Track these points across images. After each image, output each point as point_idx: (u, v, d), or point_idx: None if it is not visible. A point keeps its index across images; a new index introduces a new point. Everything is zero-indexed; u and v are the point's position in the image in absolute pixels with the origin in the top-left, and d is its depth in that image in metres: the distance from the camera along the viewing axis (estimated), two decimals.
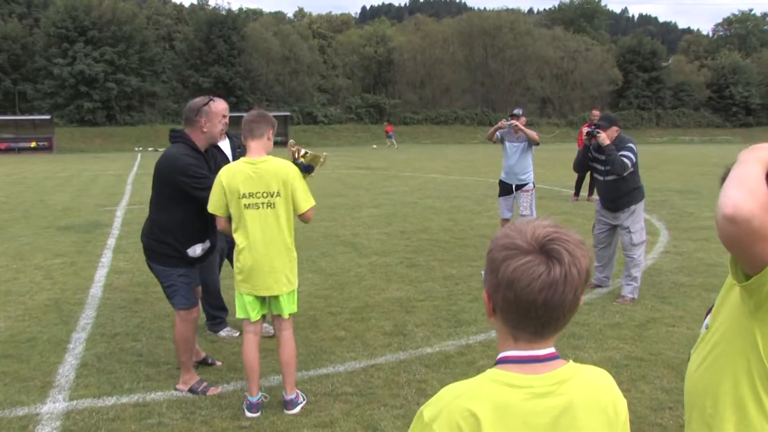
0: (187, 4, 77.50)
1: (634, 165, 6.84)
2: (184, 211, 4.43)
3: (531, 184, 9.42)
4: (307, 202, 4.19)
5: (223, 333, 5.78)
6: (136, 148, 46.11)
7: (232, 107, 55.15)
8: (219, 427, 4.02)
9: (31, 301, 6.88)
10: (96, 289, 7.23)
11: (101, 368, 4.98)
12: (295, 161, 4.26)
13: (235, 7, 72.79)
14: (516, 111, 9.49)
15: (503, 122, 9.39)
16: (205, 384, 4.58)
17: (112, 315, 6.36)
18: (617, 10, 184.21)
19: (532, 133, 9.18)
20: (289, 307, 4.30)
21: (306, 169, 4.29)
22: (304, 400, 4.36)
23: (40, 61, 52.75)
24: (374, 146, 51.26)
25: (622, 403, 1.42)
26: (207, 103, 4.51)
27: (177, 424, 4.06)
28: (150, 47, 57.36)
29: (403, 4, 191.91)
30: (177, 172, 4.35)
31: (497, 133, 9.55)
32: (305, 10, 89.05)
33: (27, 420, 4.15)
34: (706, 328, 1.83)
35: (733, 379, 1.65)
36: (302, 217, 4.23)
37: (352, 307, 6.59)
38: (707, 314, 1.87)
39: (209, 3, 69.44)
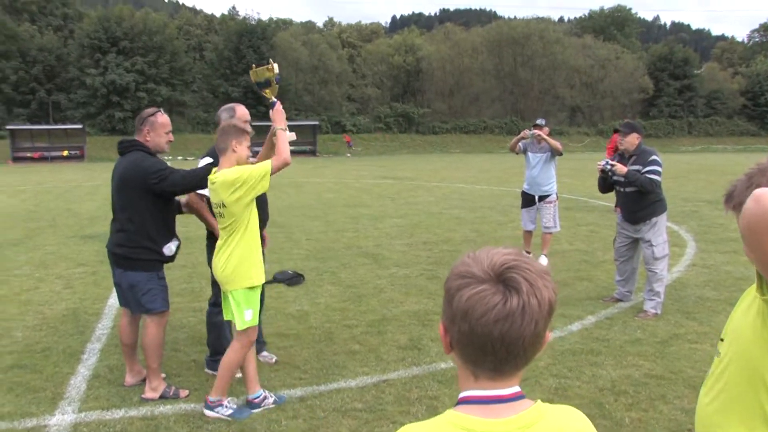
0: (218, 15, 78.45)
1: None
2: (152, 212, 4.58)
3: (554, 195, 9.31)
4: (263, 181, 4.11)
5: (260, 357, 5.57)
6: (166, 157, 46.59)
7: (262, 117, 55.72)
8: None
9: (50, 310, 6.92)
10: (114, 300, 7.22)
11: (112, 380, 4.96)
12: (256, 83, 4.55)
13: (264, 17, 72.99)
14: (539, 121, 9.43)
15: (526, 132, 9.34)
16: (174, 388, 4.71)
17: (119, 329, 6.35)
18: (649, 17, 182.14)
19: (555, 143, 9.10)
20: (228, 311, 4.34)
21: (264, 85, 4.53)
22: (228, 410, 4.32)
23: (74, 71, 53.72)
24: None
25: None
26: (153, 114, 4.71)
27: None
28: (180, 57, 58.11)
29: (433, 14, 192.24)
30: (144, 173, 4.47)
31: (520, 144, 9.50)
32: (335, 19, 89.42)
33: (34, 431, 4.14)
34: (718, 356, 1.73)
35: (745, 421, 1.56)
36: (280, 168, 4.22)
37: (369, 320, 6.51)
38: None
39: (239, 13, 70.17)
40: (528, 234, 9.52)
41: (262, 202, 4.99)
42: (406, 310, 6.87)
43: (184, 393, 4.70)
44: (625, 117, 64.75)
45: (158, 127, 4.68)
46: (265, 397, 4.48)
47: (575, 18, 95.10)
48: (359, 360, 5.38)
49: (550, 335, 1.25)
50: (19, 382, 4.95)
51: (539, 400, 1.25)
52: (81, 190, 21.93)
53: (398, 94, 68.03)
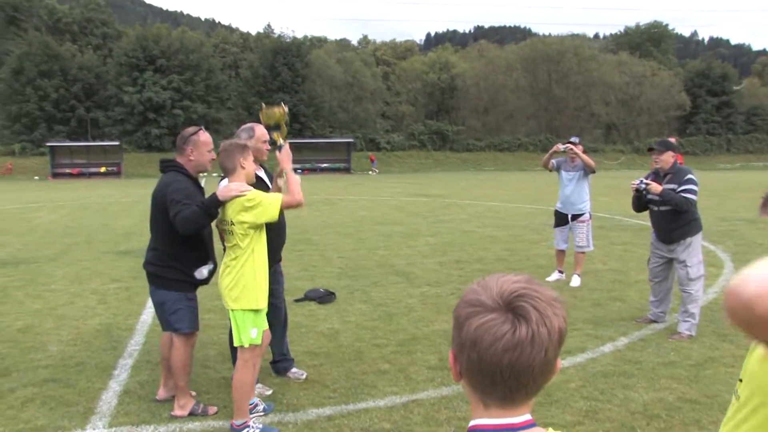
0: (253, 33, 79.43)
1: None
2: (180, 235, 4.49)
3: (587, 214, 9.22)
4: (274, 206, 4.23)
5: (290, 374, 5.59)
6: (201, 174, 47.12)
7: (296, 133, 56.52)
8: None
9: (84, 325, 7.02)
10: (146, 316, 7.32)
11: (143, 395, 5.01)
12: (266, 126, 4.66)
13: (299, 35, 73.74)
14: (573, 139, 9.36)
15: (559, 146, 9.28)
16: (203, 405, 4.73)
17: (159, 342, 6.42)
18: (686, 33, 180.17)
19: (588, 160, 9.02)
20: (234, 333, 4.36)
21: (275, 128, 4.70)
22: (254, 430, 4.34)
23: (112, 89, 54.85)
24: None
25: None
26: (195, 133, 4.74)
27: None
28: (216, 75, 58.92)
29: (467, 31, 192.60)
30: (166, 198, 4.49)
31: (553, 161, 9.44)
32: (369, 37, 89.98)
33: None
34: (737, 398, 1.66)
35: None
36: (291, 207, 4.37)
37: (399, 339, 6.49)
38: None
39: (274, 31, 70.99)
40: (561, 253, 9.43)
41: (280, 225, 5.06)
42: (437, 330, 6.84)
43: (212, 410, 4.72)
44: (662, 134, 64.11)
45: (201, 146, 4.71)
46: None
47: (611, 35, 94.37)
48: (388, 379, 5.36)
49: (560, 363, 1.23)
50: (52, 396, 5.02)
51: (551, 429, 1.23)
52: (117, 206, 22.29)
53: (432, 112, 68.15)
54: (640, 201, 6.89)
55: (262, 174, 5.19)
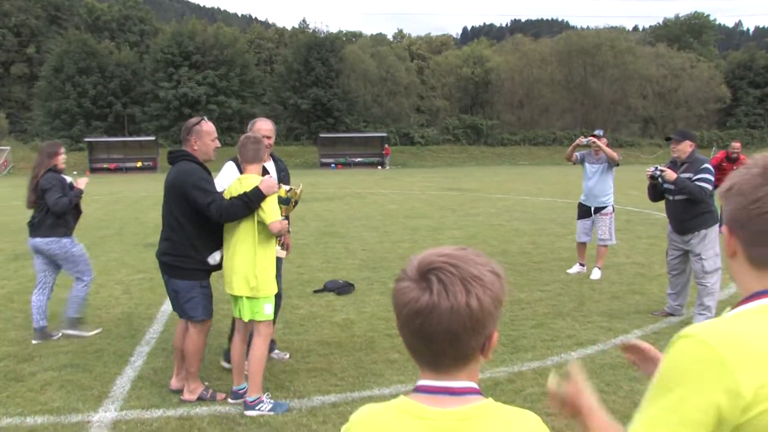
0: (289, 28, 79.93)
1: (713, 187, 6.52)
2: (197, 221, 4.61)
3: (610, 207, 9.18)
4: (269, 218, 4.46)
5: (273, 354, 5.79)
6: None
7: (330, 128, 56.77)
8: None
9: (107, 314, 7.23)
10: (167, 306, 7.48)
11: (155, 381, 5.15)
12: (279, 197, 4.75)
13: (334, 30, 73.94)
14: (597, 132, 9.37)
15: (581, 139, 9.27)
16: (211, 391, 4.82)
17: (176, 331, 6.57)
18: (730, 23, 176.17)
19: (612, 152, 8.99)
20: (249, 312, 4.54)
21: (283, 202, 4.84)
22: (268, 406, 4.54)
23: (148, 85, 55.81)
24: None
25: None
26: (198, 123, 4.82)
27: None
28: (250, 70, 59.44)
29: (504, 24, 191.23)
30: (190, 186, 4.56)
31: (576, 154, 9.45)
32: (405, 31, 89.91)
33: (79, 427, 4.35)
34: None
35: None
36: (269, 228, 4.51)
37: None
38: None
39: (309, 26, 71.35)
40: (581, 246, 9.39)
41: None
42: None
43: (220, 396, 4.80)
44: (700, 127, 62.96)
45: (204, 135, 4.78)
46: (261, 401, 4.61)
47: (650, 26, 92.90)
48: (397, 369, 5.42)
49: (497, 336, 1.29)
50: (70, 380, 5.20)
51: (491, 399, 1.29)
52: (150, 200, 22.70)
53: (467, 106, 67.84)
54: (656, 189, 6.85)
55: (269, 166, 5.32)
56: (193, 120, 4.87)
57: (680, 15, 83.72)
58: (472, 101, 68.43)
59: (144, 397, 4.83)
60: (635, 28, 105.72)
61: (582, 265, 9.39)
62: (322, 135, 53.92)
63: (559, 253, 10.97)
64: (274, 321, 5.62)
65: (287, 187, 4.95)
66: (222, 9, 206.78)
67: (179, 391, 4.91)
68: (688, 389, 1.24)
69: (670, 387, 1.26)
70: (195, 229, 4.63)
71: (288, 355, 5.75)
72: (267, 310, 4.55)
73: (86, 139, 49.25)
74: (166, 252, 4.74)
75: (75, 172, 46.64)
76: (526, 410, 1.32)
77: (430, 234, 13.38)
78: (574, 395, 1.50)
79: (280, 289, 5.56)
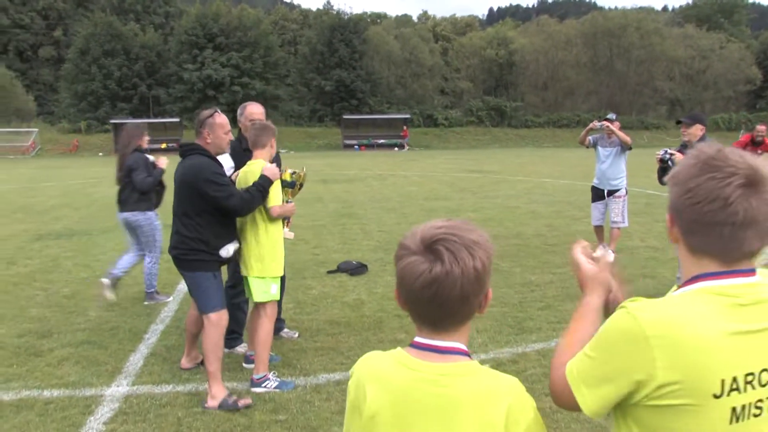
0: (313, 9, 79.83)
1: None
2: (211, 216, 4.54)
3: (623, 190, 9.21)
4: (270, 202, 4.65)
5: (282, 333, 5.94)
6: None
7: (354, 110, 56.83)
8: (257, 420, 4.22)
9: (125, 293, 7.40)
10: (183, 285, 7.65)
11: (167, 358, 5.32)
12: (282, 181, 4.91)
13: (359, 11, 73.78)
14: (610, 116, 9.40)
15: (595, 123, 9.35)
16: (234, 397, 4.51)
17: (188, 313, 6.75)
18: (765, 1, 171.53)
19: (624, 136, 9.01)
20: (255, 293, 4.70)
21: (288, 185, 4.97)
22: (274, 383, 4.73)
23: (172, 67, 56.13)
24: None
25: (523, 412, 1.43)
26: (211, 115, 4.70)
27: (218, 413, 4.30)
28: (274, 51, 59.54)
29: (531, 5, 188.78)
30: (203, 180, 4.47)
31: (589, 138, 9.48)
32: (430, 13, 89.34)
33: (92, 400, 4.54)
34: None
35: None
36: (268, 213, 4.69)
37: None
38: None
39: (334, 8, 71.15)
40: (598, 229, 9.45)
41: None
42: None
43: (244, 402, 4.48)
44: (729, 109, 62.01)
45: (217, 128, 4.66)
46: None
47: (680, 7, 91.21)
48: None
49: (491, 292, 1.48)
50: (86, 356, 5.39)
51: (477, 362, 1.46)
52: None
53: (491, 87, 67.39)
54: (665, 172, 6.86)
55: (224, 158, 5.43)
56: (207, 112, 4.77)
57: None
58: (496, 83, 67.95)
59: (155, 373, 5.00)
60: (665, 9, 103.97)
61: (604, 246, 9.41)
62: (345, 116, 53.96)
63: (575, 236, 10.95)
64: (279, 301, 5.79)
65: (291, 171, 5.05)
66: None
67: (189, 369, 5.07)
68: (612, 354, 1.41)
69: (601, 347, 1.43)
70: (206, 224, 4.55)
71: (297, 334, 5.90)
72: (273, 290, 4.70)
73: (112, 121, 49.74)
74: (176, 246, 4.65)
75: (101, 154, 47.28)
76: (508, 375, 1.46)
77: (446, 216, 13.30)
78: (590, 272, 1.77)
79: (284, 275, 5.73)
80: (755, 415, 1.40)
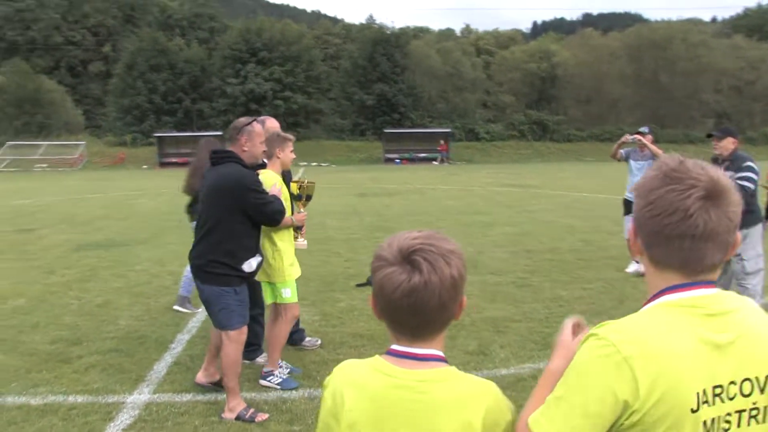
0: (357, 23, 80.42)
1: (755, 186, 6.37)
2: (237, 226, 4.42)
3: None
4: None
5: (305, 343, 6.00)
6: (301, 163, 48.37)
7: (395, 123, 56.90)
8: (272, 430, 4.28)
9: (155, 303, 7.56)
10: None
11: (190, 367, 5.40)
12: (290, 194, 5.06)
13: (402, 25, 74.22)
14: (643, 129, 9.36)
15: (627, 137, 9.36)
16: (252, 411, 4.47)
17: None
18: None
19: (658, 150, 8.93)
20: (270, 295, 4.97)
21: (296, 198, 5.09)
22: (278, 379, 4.96)
23: (216, 81, 57.09)
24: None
25: (500, 414, 1.47)
26: (250, 123, 4.60)
27: (234, 423, 4.35)
28: (316, 66, 60.12)
29: (575, 18, 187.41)
30: (245, 188, 4.37)
31: (621, 151, 9.51)
32: (472, 26, 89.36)
33: (113, 407, 4.63)
34: None
35: None
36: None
37: None
38: None
39: (376, 22, 71.60)
40: (629, 242, 9.30)
41: None
42: (486, 317, 6.93)
43: (261, 417, 4.45)
44: None
45: (255, 137, 4.56)
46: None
47: (730, 17, 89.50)
48: None
49: (466, 300, 1.52)
50: (112, 363, 5.51)
51: (454, 367, 1.50)
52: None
53: (533, 101, 66.89)
54: None
55: None
56: (244, 120, 4.65)
57: (763, 4, 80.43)
58: (539, 96, 67.41)
59: (177, 382, 5.08)
60: (713, 20, 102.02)
61: (637, 262, 9.35)
62: (386, 130, 54.16)
63: (609, 251, 10.85)
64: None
65: (299, 183, 5.15)
66: (291, 5, 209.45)
67: (204, 386, 4.97)
68: (590, 385, 1.34)
69: (575, 381, 1.37)
70: (234, 234, 4.41)
71: (319, 341, 5.98)
72: (285, 294, 4.89)
73: (156, 135, 50.75)
74: (200, 255, 4.49)
75: (145, 166, 48.25)
76: (486, 380, 1.50)
77: (480, 230, 13.38)
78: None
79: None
80: (724, 430, 1.38)
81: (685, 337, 1.35)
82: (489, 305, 7.41)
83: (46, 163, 49.23)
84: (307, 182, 5.16)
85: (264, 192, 4.50)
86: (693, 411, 1.33)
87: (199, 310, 7.28)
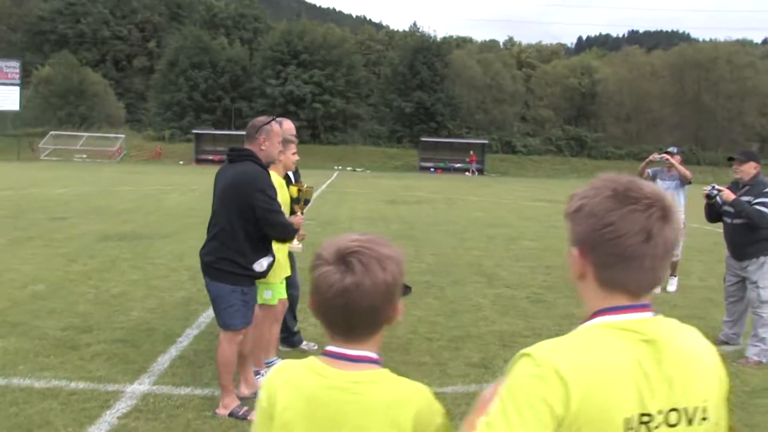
0: (400, 30, 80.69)
1: None
2: (250, 226, 4.35)
3: (681, 224, 9.05)
4: None
5: (303, 346, 6.05)
6: (336, 167, 48.63)
7: (432, 132, 56.89)
8: None
9: (170, 297, 7.67)
10: None
11: (193, 362, 5.48)
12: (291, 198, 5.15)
13: (445, 34, 74.28)
14: (671, 149, 9.32)
15: (655, 156, 9.31)
16: (245, 408, 4.46)
17: None
18: None
19: (685, 171, 8.91)
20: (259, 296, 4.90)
21: (294, 201, 5.16)
22: (263, 378, 4.92)
23: (256, 81, 57.80)
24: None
25: (431, 416, 1.51)
26: (269, 122, 4.57)
27: (227, 419, 4.41)
28: (357, 71, 60.45)
29: (620, 35, 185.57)
30: (257, 189, 4.31)
31: (648, 170, 9.45)
32: (516, 39, 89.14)
33: (112, 395, 4.72)
34: None
35: None
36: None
37: (452, 336, 6.62)
38: None
39: (420, 30, 71.75)
40: None
41: None
42: (495, 330, 6.90)
43: (253, 416, 4.52)
44: None
45: (273, 137, 4.53)
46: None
47: None
48: (423, 372, 5.51)
49: (401, 306, 1.54)
50: (118, 353, 5.61)
51: (387, 369, 1.54)
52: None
53: (571, 117, 66.44)
54: (712, 209, 6.67)
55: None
56: (263, 119, 4.61)
57: None
58: (578, 112, 66.94)
59: (178, 375, 5.15)
60: (765, 41, 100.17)
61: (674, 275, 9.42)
62: (423, 139, 54.23)
63: None
64: (294, 316, 6.06)
65: (298, 187, 5.23)
66: (337, 9, 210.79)
67: (212, 373, 5.03)
68: (524, 403, 1.30)
69: (509, 401, 1.32)
70: (247, 233, 4.35)
71: (316, 346, 5.97)
72: (266, 295, 4.93)
73: (194, 131, 51.43)
74: (210, 252, 4.45)
75: (181, 162, 48.93)
76: (417, 383, 1.53)
77: (504, 243, 13.32)
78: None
79: (296, 283, 5.80)
80: None
81: (619, 360, 1.33)
82: (500, 318, 7.38)
83: (85, 153, 50.25)
84: (306, 186, 5.22)
85: (274, 198, 4.40)
86: None
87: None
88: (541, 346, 1.38)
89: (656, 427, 1.35)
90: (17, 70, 50.35)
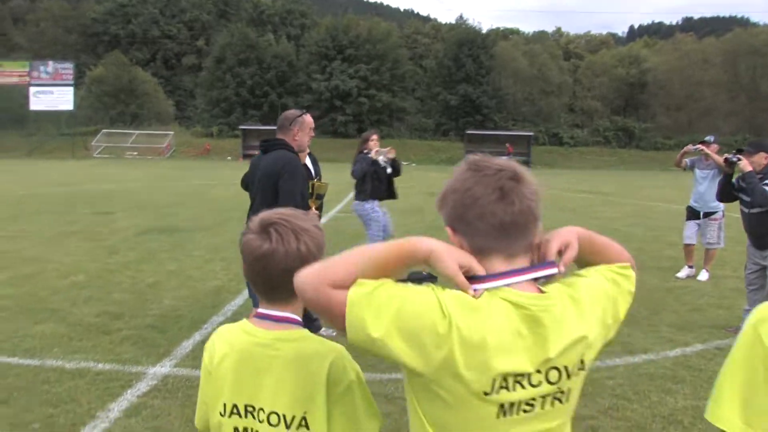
0: (446, 23, 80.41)
1: None
2: None
3: (720, 213, 9.39)
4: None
5: (321, 332, 6.26)
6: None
7: (478, 125, 56.54)
8: None
9: (202, 286, 7.98)
10: None
11: None
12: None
13: (492, 26, 73.82)
14: (708, 138, 9.34)
15: (690, 147, 9.42)
16: None
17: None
18: None
19: (720, 160, 8.78)
20: None
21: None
22: None
23: (302, 76, 58.26)
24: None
25: (344, 372, 1.71)
26: (301, 115, 5.11)
27: None
28: (402, 64, 60.44)
29: (674, 23, 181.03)
30: (283, 171, 4.70)
31: (686, 160, 9.76)
32: (564, 29, 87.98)
33: (134, 376, 5.01)
34: None
35: None
36: None
37: None
38: None
39: (467, 22, 71.32)
40: (688, 247, 9.61)
41: None
42: None
43: None
44: None
45: (305, 127, 5.08)
46: None
47: None
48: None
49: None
50: (146, 337, 5.92)
51: (306, 330, 1.77)
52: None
53: (619, 107, 65.31)
54: (727, 183, 6.65)
55: (308, 162, 5.73)
56: (295, 111, 5.15)
57: None
58: (626, 103, 65.72)
59: (199, 359, 5.32)
60: None
61: (690, 267, 9.56)
62: (468, 131, 54.03)
63: (662, 261, 10.68)
64: None
65: (311, 181, 5.43)
66: (384, 4, 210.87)
67: None
68: (416, 316, 1.48)
69: (404, 310, 1.52)
70: None
71: (335, 333, 6.17)
72: None
73: (241, 127, 52.20)
74: None
75: (229, 158, 49.76)
76: (335, 343, 1.75)
77: None
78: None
79: None
80: (525, 411, 1.45)
81: (504, 326, 1.43)
82: None
83: (136, 151, 51.50)
84: (319, 182, 5.42)
85: (298, 182, 4.76)
86: (486, 394, 1.41)
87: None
88: (450, 291, 1.51)
89: (534, 385, 1.45)
90: (71, 71, 51.78)
